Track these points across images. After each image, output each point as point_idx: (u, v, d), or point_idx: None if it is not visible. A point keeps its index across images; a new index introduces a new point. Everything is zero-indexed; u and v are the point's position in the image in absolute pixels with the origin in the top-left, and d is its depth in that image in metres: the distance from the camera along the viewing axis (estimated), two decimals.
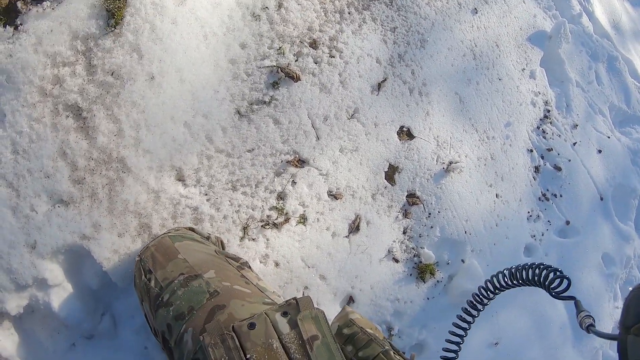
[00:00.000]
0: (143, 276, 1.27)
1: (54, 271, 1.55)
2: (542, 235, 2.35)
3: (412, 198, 2.03)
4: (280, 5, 1.88)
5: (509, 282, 0.96)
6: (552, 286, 0.86)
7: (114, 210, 1.59)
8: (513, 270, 0.95)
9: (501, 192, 2.24)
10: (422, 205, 2.04)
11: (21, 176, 1.52)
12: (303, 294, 1.83)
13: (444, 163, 2.10)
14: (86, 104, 1.58)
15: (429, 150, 2.06)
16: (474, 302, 1.01)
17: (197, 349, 0.99)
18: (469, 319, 1.01)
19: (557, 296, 0.87)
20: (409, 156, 2.03)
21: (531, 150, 2.41)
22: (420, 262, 2.04)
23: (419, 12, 2.13)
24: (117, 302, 1.69)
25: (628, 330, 0.63)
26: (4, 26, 1.53)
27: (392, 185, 2.00)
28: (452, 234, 2.08)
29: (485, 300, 1.00)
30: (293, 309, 0.98)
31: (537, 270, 0.89)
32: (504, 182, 2.24)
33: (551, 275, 0.87)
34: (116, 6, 1.59)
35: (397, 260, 2.01)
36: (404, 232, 2.03)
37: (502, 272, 0.99)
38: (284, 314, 0.96)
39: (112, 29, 1.58)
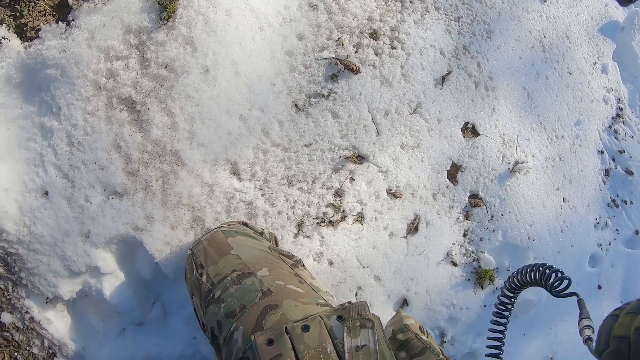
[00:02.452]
0: (195, 271, 1.13)
1: (106, 260, 1.43)
2: (609, 244, 1.96)
3: (474, 199, 1.72)
4: None
5: (518, 284, 0.90)
6: (553, 285, 0.79)
7: (167, 202, 1.40)
8: (516, 273, 0.91)
9: (569, 196, 1.87)
10: (484, 207, 1.73)
11: (76, 167, 1.37)
12: (356, 295, 1.59)
13: (509, 163, 1.76)
14: (140, 97, 1.38)
15: (494, 148, 1.74)
16: (499, 312, 0.95)
17: (246, 347, 0.87)
18: (500, 327, 0.95)
19: (559, 295, 0.79)
20: (473, 154, 1.71)
21: (602, 152, 2.01)
22: (480, 267, 1.74)
23: (484, 0, 1.79)
24: (169, 292, 1.54)
25: (600, 355, 0.62)
26: (57, 22, 1.37)
27: (454, 184, 1.70)
28: (514, 239, 1.76)
29: (506, 313, 0.94)
30: (348, 313, 0.85)
31: (539, 270, 0.83)
32: (572, 186, 1.88)
33: (553, 275, 0.80)
34: None
35: (455, 264, 1.72)
36: (465, 235, 1.72)
37: (510, 277, 0.92)
38: (339, 318, 0.84)
39: (165, 22, 1.38)
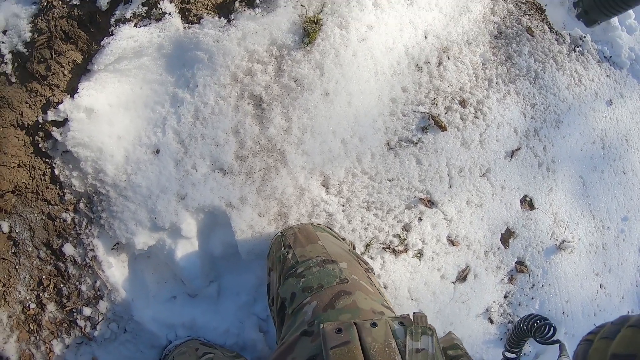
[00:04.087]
0: (282, 248, 1.17)
1: (190, 225, 1.46)
2: None
3: (520, 265, 1.76)
4: (440, 63, 1.76)
5: (514, 339, 0.88)
6: (539, 332, 0.78)
7: (263, 192, 1.48)
8: (511, 328, 0.89)
9: (606, 283, 1.90)
10: (528, 274, 1.77)
11: (194, 138, 1.46)
12: None
13: (557, 240, 1.82)
14: (268, 98, 1.50)
15: (546, 224, 1.80)
16: None
17: (314, 321, 0.89)
18: None
19: (544, 342, 0.78)
20: (527, 225, 1.78)
21: None
22: None
23: (558, 94, 1.93)
24: (229, 276, 1.57)
25: None
26: (219, 17, 1.51)
27: (505, 247, 1.75)
28: (550, 311, 1.77)
29: None
30: (409, 321, 0.85)
31: (525, 322, 0.82)
32: (610, 275, 1.91)
33: (538, 322, 0.80)
34: (312, 28, 1.53)
35: (492, 321, 1.72)
36: (505, 297, 1.74)
37: (507, 334, 0.91)
38: (401, 323, 0.84)
39: (305, 45, 1.52)
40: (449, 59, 1.77)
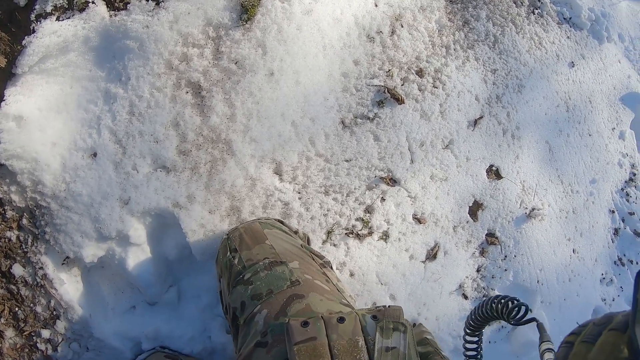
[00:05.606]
0: (228, 253, 1.08)
1: (138, 231, 1.33)
2: (613, 300, 1.88)
3: (491, 237, 1.67)
4: (393, 32, 1.63)
5: (476, 323, 0.81)
6: (511, 314, 0.72)
7: (211, 187, 1.34)
8: (472, 313, 0.82)
9: (578, 247, 1.82)
10: (499, 246, 1.67)
11: (131, 136, 1.31)
12: None
13: (527, 208, 1.73)
14: (207, 84, 1.35)
15: (514, 193, 1.70)
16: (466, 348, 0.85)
17: (266, 330, 0.82)
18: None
19: (518, 322, 0.72)
20: (495, 195, 1.68)
21: (613, 211, 1.98)
22: None
23: (519, 58, 1.82)
24: (187, 279, 1.44)
25: None
26: (147, 0, 1.34)
27: (474, 220, 1.65)
28: (524, 281, 1.69)
29: (474, 345, 0.85)
30: (383, 314, 0.79)
31: (493, 304, 0.75)
32: (582, 239, 1.83)
33: (509, 304, 0.73)
34: (250, 4, 1.38)
35: (466, 297, 1.63)
36: (478, 270, 1.65)
37: (467, 318, 0.84)
38: (374, 318, 0.78)
39: (244, 23, 1.37)
40: (402, 27, 1.64)
